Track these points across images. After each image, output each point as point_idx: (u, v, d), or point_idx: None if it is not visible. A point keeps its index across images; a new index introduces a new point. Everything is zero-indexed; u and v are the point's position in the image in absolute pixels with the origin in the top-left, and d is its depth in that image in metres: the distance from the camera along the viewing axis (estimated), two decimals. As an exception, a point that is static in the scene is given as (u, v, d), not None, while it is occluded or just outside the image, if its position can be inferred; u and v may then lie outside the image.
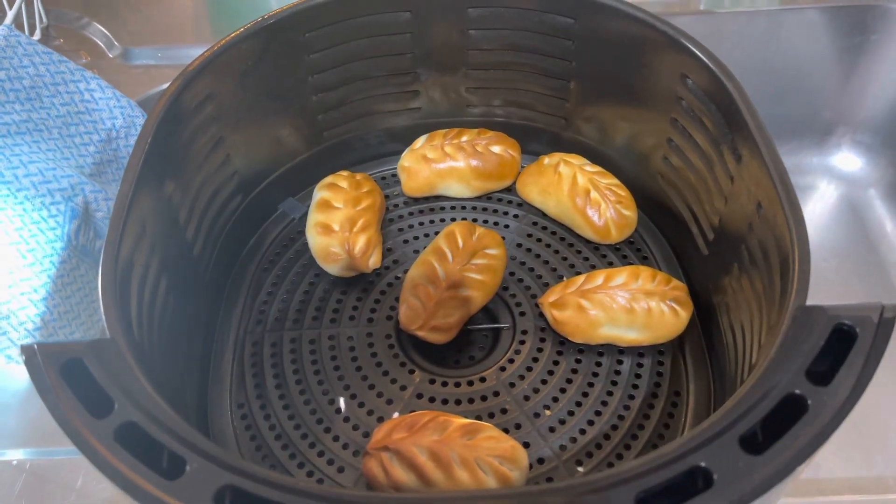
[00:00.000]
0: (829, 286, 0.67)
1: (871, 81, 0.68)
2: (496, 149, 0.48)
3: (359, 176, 0.48)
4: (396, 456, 0.35)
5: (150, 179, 0.35)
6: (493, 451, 0.35)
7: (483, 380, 0.41)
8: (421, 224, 0.49)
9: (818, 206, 0.74)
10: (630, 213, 0.46)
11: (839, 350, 0.26)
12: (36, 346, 0.26)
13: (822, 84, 0.70)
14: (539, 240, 0.47)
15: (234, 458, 0.24)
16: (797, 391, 0.25)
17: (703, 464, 0.23)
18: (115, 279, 0.30)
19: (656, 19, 0.40)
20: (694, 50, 0.38)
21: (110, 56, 0.64)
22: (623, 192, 0.46)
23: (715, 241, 0.41)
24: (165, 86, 0.62)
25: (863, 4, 0.64)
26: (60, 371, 0.26)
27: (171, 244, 0.38)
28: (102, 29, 0.65)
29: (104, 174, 0.60)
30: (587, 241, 0.47)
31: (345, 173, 0.48)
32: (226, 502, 0.23)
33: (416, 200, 0.50)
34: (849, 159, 0.73)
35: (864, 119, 0.71)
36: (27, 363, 0.26)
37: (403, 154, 0.49)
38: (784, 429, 0.24)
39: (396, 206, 0.50)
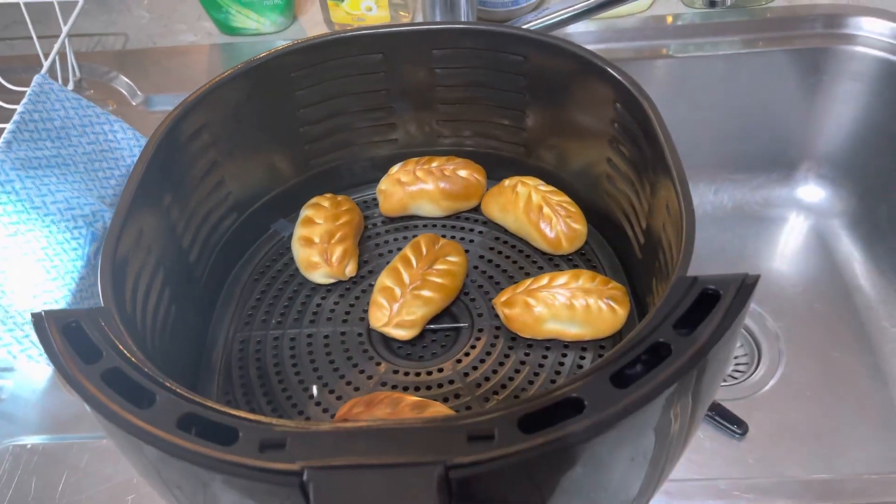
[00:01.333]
0: (797, 309, 0.71)
1: (828, 118, 0.73)
2: (462, 173, 0.54)
3: (340, 197, 0.54)
4: (354, 427, 0.40)
5: (150, 190, 0.41)
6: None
7: (441, 370, 0.46)
8: (395, 240, 0.54)
9: (788, 237, 0.78)
10: (579, 226, 0.51)
11: (705, 309, 0.30)
12: (43, 313, 0.32)
13: (785, 122, 0.75)
14: (499, 252, 0.53)
15: (196, 395, 0.29)
16: (662, 339, 0.29)
17: (575, 395, 0.28)
18: (113, 262, 0.36)
19: (587, 53, 0.46)
20: (614, 74, 0.44)
21: (133, 104, 0.72)
22: (573, 208, 0.52)
23: (644, 247, 0.46)
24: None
25: (814, 47, 0.70)
26: (62, 330, 0.32)
27: (168, 249, 0.44)
28: (128, 80, 0.73)
29: (122, 205, 0.67)
30: (542, 253, 0.52)
31: (328, 195, 0.54)
32: (188, 427, 0.28)
33: (392, 220, 0.56)
34: (814, 192, 0.78)
35: (825, 153, 0.76)
36: (36, 326, 0.32)
37: (381, 179, 0.56)
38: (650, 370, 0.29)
39: (375, 224, 0.56)
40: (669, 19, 0.74)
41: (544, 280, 0.46)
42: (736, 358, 0.70)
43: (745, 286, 0.31)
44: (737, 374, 0.68)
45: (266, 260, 0.54)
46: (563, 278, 0.46)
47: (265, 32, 0.76)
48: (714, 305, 0.31)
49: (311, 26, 0.77)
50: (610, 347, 0.46)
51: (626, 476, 0.32)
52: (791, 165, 0.77)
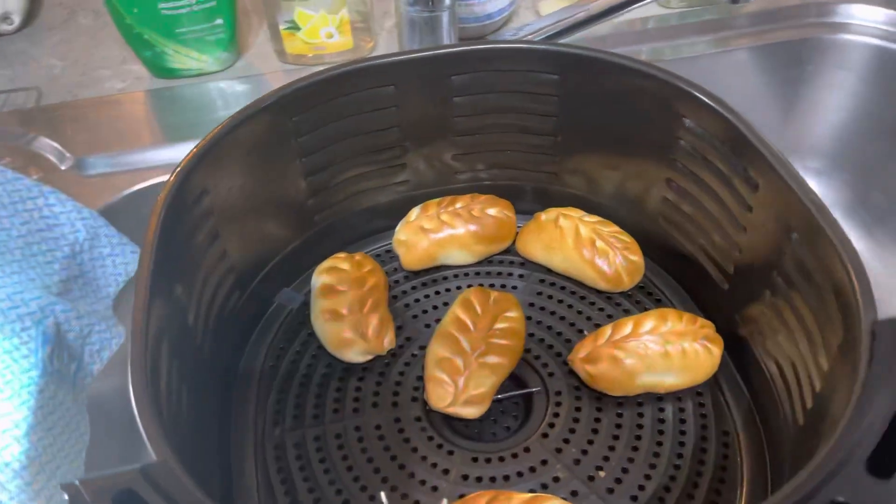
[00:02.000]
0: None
1: (813, 110, 0.72)
2: (492, 211, 0.48)
3: (357, 256, 0.46)
4: (464, 545, 0.32)
5: (160, 284, 0.32)
6: (564, 523, 0.33)
7: (527, 450, 0.39)
8: (427, 297, 0.47)
9: (782, 233, 0.75)
10: (637, 258, 0.46)
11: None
12: (79, 483, 0.23)
13: (768, 117, 0.73)
14: (550, 297, 0.46)
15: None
16: (906, 407, 0.24)
17: (840, 499, 0.22)
18: (149, 399, 0.27)
19: (647, 66, 0.41)
20: (691, 91, 0.39)
21: (62, 169, 0.61)
22: (627, 238, 0.46)
23: (737, 274, 0.41)
24: (128, 192, 0.60)
25: (795, 39, 0.68)
26: (113, 506, 0.23)
27: (185, 348, 0.35)
28: (51, 142, 0.62)
29: (71, 291, 0.56)
30: (598, 292, 0.46)
31: (342, 255, 0.46)
32: None
33: (417, 274, 0.48)
34: (804, 185, 0.75)
35: (812, 146, 0.74)
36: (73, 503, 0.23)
37: (398, 228, 0.48)
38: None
39: (397, 282, 0.48)
40: (642, 23, 0.70)
41: (628, 327, 0.40)
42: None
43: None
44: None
45: (279, 341, 0.45)
46: (649, 323, 0.40)
47: (208, 72, 0.67)
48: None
49: (261, 61, 0.68)
50: (707, 392, 0.41)
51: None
52: (777, 161, 0.75)
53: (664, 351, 0.39)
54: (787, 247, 0.35)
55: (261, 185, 0.43)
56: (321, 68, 0.42)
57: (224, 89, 0.65)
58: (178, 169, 0.36)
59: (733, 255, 0.40)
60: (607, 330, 0.41)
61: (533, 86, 0.45)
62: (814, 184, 0.75)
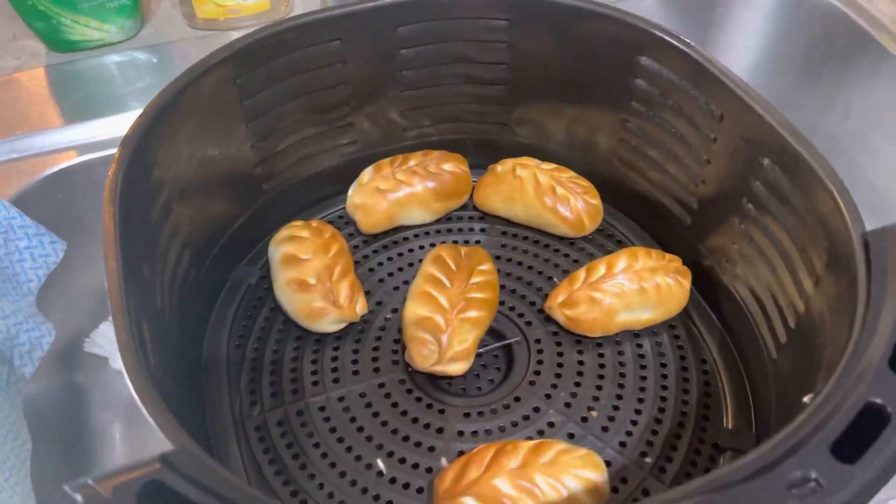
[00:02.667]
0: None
1: (724, 52, 0.74)
2: (447, 166, 0.47)
3: (314, 223, 0.44)
4: (479, 499, 0.32)
5: (130, 266, 0.30)
6: (574, 465, 0.33)
7: (518, 399, 0.38)
8: (390, 259, 0.46)
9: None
10: (597, 201, 0.46)
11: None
12: (93, 482, 0.21)
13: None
14: (514, 248, 0.46)
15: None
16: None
17: (877, 400, 0.23)
18: (149, 386, 0.25)
19: (603, 7, 0.40)
20: (650, 29, 0.39)
21: (-41, 157, 0.55)
22: (585, 182, 0.46)
23: (701, 206, 0.42)
24: (38, 178, 0.54)
25: (705, -18, 0.70)
26: (140, 499, 0.21)
27: (160, 330, 0.32)
28: (-60, 129, 0.55)
29: (-10, 292, 0.51)
30: (560, 239, 0.46)
31: (299, 223, 0.44)
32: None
33: (376, 237, 0.47)
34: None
35: (724, 86, 0.76)
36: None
37: (351, 191, 0.46)
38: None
39: (357, 247, 0.46)
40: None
41: (601, 268, 0.41)
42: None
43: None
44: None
45: (241, 319, 0.43)
46: (621, 262, 0.41)
47: (111, 42, 0.61)
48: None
49: (169, 28, 0.63)
50: (680, 325, 0.42)
51: None
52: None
53: (640, 288, 0.40)
54: (758, 173, 0.36)
55: (208, 153, 0.40)
56: (244, 33, 0.39)
57: (130, 60, 0.61)
58: (125, 141, 0.33)
59: (696, 189, 0.41)
60: (581, 274, 0.41)
61: (482, 33, 0.44)
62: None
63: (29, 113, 0.57)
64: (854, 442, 0.22)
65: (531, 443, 0.34)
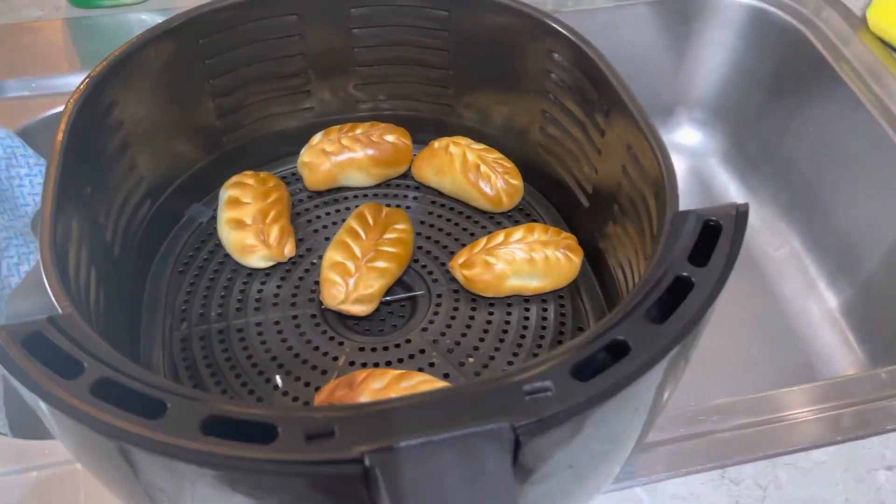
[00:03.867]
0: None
1: (699, 65, 0.78)
2: (389, 137, 0.52)
3: (263, 174, 0.50)
4: (342, 410, 0.37)
5: (71, 178, 0.36)
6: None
7: (408, 341, 0.44)
8: (328, 214, 0.52)
9: (670, 179, 0.82)
10: (517, 181, 0.51)
11: (710, 240, 0.31)
12: (-8, 326, 0.27)
13: (660, 70, 0.80)
14: (439, 216, 0.52)
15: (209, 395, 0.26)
16: (684, 273, 0.30)
17: (620, 337, 0.28)
18: (54, 258, 0.31)
19: (521, 5, 0.45)
20: (556, 27, 0.44)
21: (-21, 91, 0.63)
22: (508, 163, 0.51)
23: (595, 193, 0.46)
24: (45, 115, 0.62)
25: (683, -2, 0.74)
26: (23, 344, 0.27)
27: (96, 243, 0.39)
28: (-33, 65, 0.63)
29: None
30: (482, 212, 0.52)
31: (249, 173, 0.50)
32: (214, 432, 0.25)
33: (320, 194, 0.53)
34: (690, 134, 0.83)
35: (698, 98, 0.81)
36: (-16, 342, 0.27)
37: (302, 151, 0.52)
38: (678, 304, 0.29)
39: (301, 200, 0.52)
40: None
41: (500, 237, 0.46)
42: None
43: (741, 214, 0.32)
44: (646, 312, 0.72)
45: (188, 249, 0.49)
46: (518, 233, 0.46)
47: (125, 3, 0.69)
48: (718, 237, 0.32)
49: (179, -6, 0.70)
50: (568, 297, 0.47)
51: (644, 415, 0.33)
52: (667, 111, 0.82)
53: (529, 257, 0.45)
54: (628, 166, 0.40)
55: (170, 103, 0.46)
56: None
57: (141, 20, 0.68)
58: (88, 78, 0.39)
59: (592, 177, 0.46)
60: (483, 240, 0.46)
61: (426, 21, 0.49)
62: (698, 133, 0.82)
63: (44, 58, 0.64)
64: (595, 368, 0.27)
65: (398, 371, 0.39)
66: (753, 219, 0.76)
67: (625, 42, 0.77)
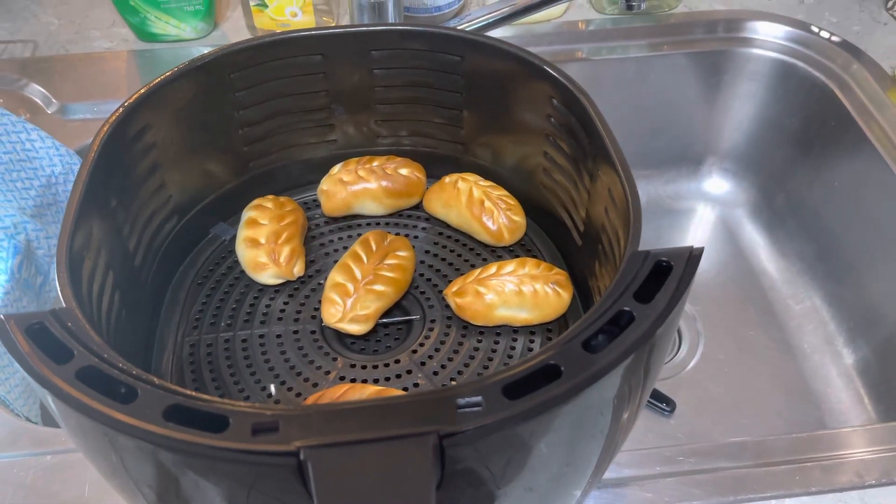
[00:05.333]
0: (711, 293, 0.76)
1: (728, 116, 0.79)
2: (404, 171, 0.56)
3: (282, 198, 0.54)
4: (321, 419, 0.40)
5: (96, 192, 0.40)
6: (404, 410, 0.40)
7: (397, 361, 0.47)
8: (340, 239, 0.55)
9: (698, 226, 0.84)
10: (519, 218, 0.53)
11: (659, 280, 0.33)
12: (3, 316, 0.31)
13: (690, 120, 0.81)
14: (444, 246, 0.54)
15: (178, 387, 0.29)
16: (626, 308, 0.32)
17: (553, 361, 0.30)
18: (69, 260, 0.35)
19: (524, 52, 0.48)
20: (554, 74, 0.47)
21: (48, 112, 0.69)
22: (512, 201, 0.54)
23: (585, 233, 0.48)
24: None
25: (714, 50, 0.75)
26: (26, 332, 0.31)
27: (116, 252, 0.43)
28: (41, 88, 0.70)
29: (45, 216, 0.65)
30: (485, 246, 0.54)
31: (270, 197, 0.54)
32: (175, 419, 0.28)
33: (335, 220, 0.56)
34: (719, 184, 0.83)
35: (727, 149, 0.82)
36: (-2, 329, 0.31)
37: (323, 179, 0.56)
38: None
39: (317, 225, 0.56)
40: (582, 25, 0.78)
41: (492, 269, 0.48)
42: (659, 341, 0.74)
43: (693, 257, 0.34)
44: (661, 357, 0.72)
45: (209, 264, 0.53)
46: (510, 266, 0.48)
47: (186, 39, 0.75)
48: (667, 276, 0.33)
49: (234, 32, 0.76)
50: (556, 331, 0.49)
51: (592, 441, 0.35)
52: (697, 160, 0.83)
53: (518, 290, 0.47)
54: (609, 208, 0.42)
55: (200, 128, 0.51)
56: (267, 38, 0.50)
57: (196, 54, 0.73)
58: (124, 103, 0.44)
59: (583, 217, 0.48)
60: (476, 271, 0.49)
61: (441, 65, 0.53)
62: (727, 184, 0.83)
63: (108, 85, 0.71)
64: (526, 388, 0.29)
65: (378, 388, 0.42)
66: (775, 273, 0.76)
67: (656, 91, 0.79)
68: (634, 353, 0.30)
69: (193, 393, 0.29)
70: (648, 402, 0.66)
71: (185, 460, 0.28)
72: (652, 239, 0.81)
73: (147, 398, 0.29)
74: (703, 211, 0.83)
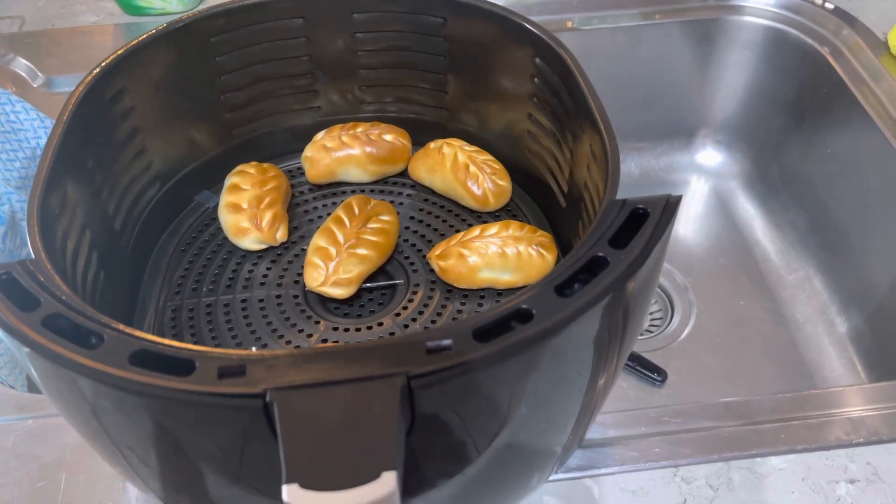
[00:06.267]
0: (703, 264, 0.76)
1: (721, 86, 0.79)
2: (388, 137, 0.55)
3: (265, 165, 0.54)
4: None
5: (72, 150, 0.40)
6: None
7: (381, 324, 0.46)
8: (324, 206, 0.55)
9: (692, 198, 0.83)
10: (505, 182, 0.53)
11: (635, 228, 0.33)
12: (-28, 266, 0.31)
13: (683, 91, 0.80)
14: (429, 212, 0.54)
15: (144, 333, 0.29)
16: (601, 254, 0.31)
17: (524, 306, 0.29)
18: (40, 213, 0.35)
19: (506, 11, 0.48)
20: (532, 30, 0.46)
21: (34, 86, 0.69)
22: (497, 165, 0.53)
23: (569, 194, 0.48)
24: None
25: (706, 18, 0.74)
26: (-4, 283, 0.31)
27: (94, 214, 0.43)
28: (26, 62, 0.70)
29: (29, 187, 0.64)
30: (470, 211, 0.54)
31: (253, 163, 0.54)
32: (141, 364, 0.28)
33: (320, 187, 0.56)
34: (712, 156, 0.83)
35: (720, 120, 0.81)
36: (-35, 279, 0.31)
37: (307, 146, 0.56)
38: (592, 281, 0.30)
39: (302, 192, 0.56)
40: (573, -5, 0.77)
41: (476, 231, 0.48)
42: (651, 313, 0.74)
43: (670, 204, 0.33)
44: (653, 328, 0.72)
45: (192, 230, 0.53)
46: (493, 229, 0.48)
47: (172, 12, 0.74)
48: (643, 223, 0.33)
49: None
50: (541, 293, 0.48)
51: (569, 394, 0.34)
52: (690, 133, 0.82)
53: (501, 252, 0.47)
54: (591, 164, 0.42)
55: (181, 94, 0.50)
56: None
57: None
58: (100, 63, 0.44)
59: (568, 180, 0.48)
60: (460, 234, 0.48)
61: (424, 28, 0.52)
62: (720, 155, 0.82)
63: (94, 59, 0.70)
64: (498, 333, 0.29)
65: (359, 348, 0.41)
66: (768, 244, 0.75)
67: (648, 61, 0.78)
68: (609, 296, 0.30)
69: (159, 339, 0.29)
70: (639, 371, 0.65)
71: (152, 404, 0.28)
72: (645, 212, 0.81)
73: (113, 344, 0.28)
74: (696, 183, 0.83)
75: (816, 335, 0.68)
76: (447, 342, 0.28)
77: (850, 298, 0.67)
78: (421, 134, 0.57)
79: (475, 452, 0.32)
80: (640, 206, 0.33)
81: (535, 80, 0.49)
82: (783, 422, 0.44)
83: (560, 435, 0.37)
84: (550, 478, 0.43)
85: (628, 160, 0.84)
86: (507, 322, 0.29)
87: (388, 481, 0.25)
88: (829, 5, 0.71)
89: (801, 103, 0.73)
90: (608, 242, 0.32)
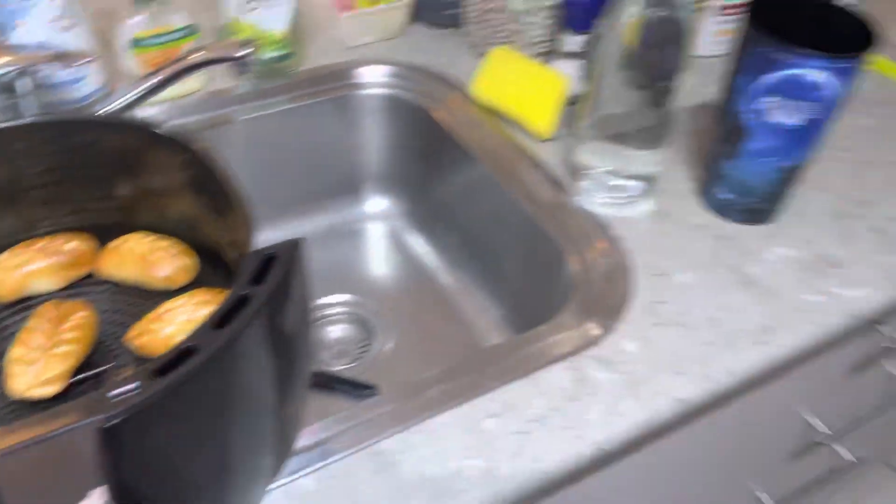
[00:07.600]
0: (392, 292, 0.90)
1: (369, 146, 0.94)
2: (72, 245, 0.61)
3: (-52, 296, 0.56)
4: None
5: None
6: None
7: (94, 407, 0.52)
8: (15, 322, 0.58)
9: (371, 241, 0.97)
10: (190, 260, 0.61)
11: (270, 267, 0.43)
12: None
13: (342, 155, 0.95)
14: (125, 301, 0.60)
15: None
16: (245, 292, 0.41)
17: (189, 343, 0.38)
18: None
19: (148, 124, 0.57)
20: (165, 135, 0.56)
21: None
22: (180, 246, 0.62)
23: (239, 256, 0.58)
24: None
25: (339, 95, 0.89)
26: None
27: None
28: None
29: None
30: (162, 292, 0.61)
31: (-67, 298, 0.56)
32: None
33: (10, 305, 0.60)
34: (379, 203, 0.98)
35: (377, 173, 0.97)
36: None
37: (-10, 270, 0.59)
38: (241, 314, 0.40)
39: (-6, 314, 0.59)
40: (227, 92, 0.88)
41: (166, 307, 0.56)
42: (359, 343, 0.85)
43: (294, 245, 0.45)
44: (363, 355, 0.84)
45: None
46: (181, 300, 0.56)
47: None
48: (274, 264, 0.44)
49: None
50: (236, 344, 0.57)
51: (257, 411, 0.43)
52: (356, 188, 0.97)
53: (188, 319, 0.55)
54: (241, 230, 0.52)
55: None
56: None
57: None
58: None
59: (230, 243, 0.58)
60: (151, 313, 0.56)
61: (81, 148, 0.59)
62: (385, 201, 0.98)
63: None
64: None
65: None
66: (438, 265, 0.91)
67: (307, 137, 0.91)
68: (255, 322, 0.40)
69: None
70: (350, 392, 0.76)
71: None
72: (340, 261, 0.93)
73: None
74: (372, 228, 0.97)
75: (482, 323, 0.85)
76: (134, 385, 0.36)
77: (497, 290, 0.85)
78: (106, 234, 0.64)
79: (189, 475, 0.40)
80: (270, 251, 0.44)
81: (185, 172, 0.59)
82: (444, 385, 0.58)
83: (262, 447, 0.46)
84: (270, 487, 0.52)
85: (316, 219, 0.96)
86: (180, 359, 0.38)
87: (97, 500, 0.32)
88: (430, 70, 0.90)
89: (426, 150, 0.90)
90: (249, 283, 0.42)
